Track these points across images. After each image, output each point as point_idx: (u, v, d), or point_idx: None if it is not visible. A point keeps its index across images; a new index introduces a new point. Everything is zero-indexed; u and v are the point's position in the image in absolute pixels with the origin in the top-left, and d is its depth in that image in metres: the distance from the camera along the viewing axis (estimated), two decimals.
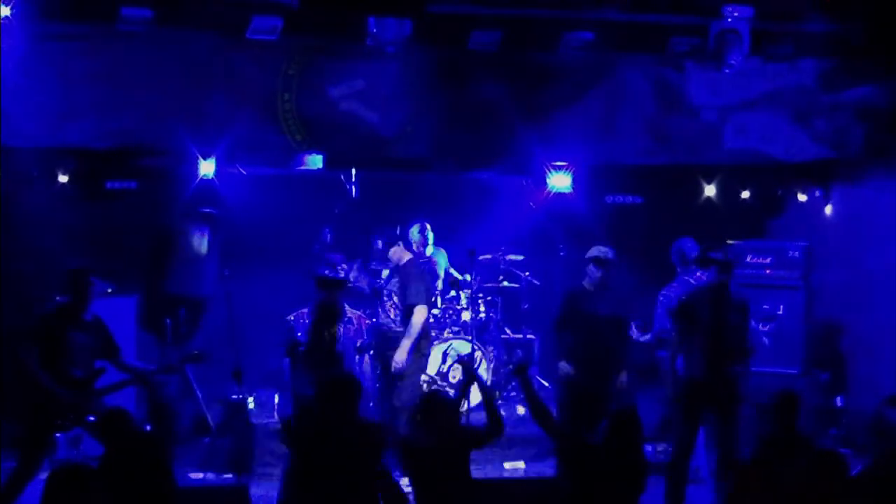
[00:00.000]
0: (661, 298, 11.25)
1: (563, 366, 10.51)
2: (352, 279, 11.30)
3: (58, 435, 10.12)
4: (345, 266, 10.19)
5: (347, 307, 10.39)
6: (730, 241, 12.47)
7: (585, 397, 10.44)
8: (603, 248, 10.86)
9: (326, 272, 10.23)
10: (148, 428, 9.33)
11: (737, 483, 7.92)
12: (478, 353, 12.64)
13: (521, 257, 13.52)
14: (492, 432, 8.12)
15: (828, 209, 13.50)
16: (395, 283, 11.46)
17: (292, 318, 10.98)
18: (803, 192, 13.63)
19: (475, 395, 12.09)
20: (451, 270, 13.47)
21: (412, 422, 8.29)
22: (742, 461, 8.56)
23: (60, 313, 9.46)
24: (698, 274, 10.92)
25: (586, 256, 10.89)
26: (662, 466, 10.30)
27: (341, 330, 10.13)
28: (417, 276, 11.42)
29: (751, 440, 11.08)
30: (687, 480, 10.13)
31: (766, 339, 11.27)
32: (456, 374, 12.61)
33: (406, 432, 8.68)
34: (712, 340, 10.09)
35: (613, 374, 10.69)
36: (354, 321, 10.40)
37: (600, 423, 9.06)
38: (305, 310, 10.49)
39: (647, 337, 11.23)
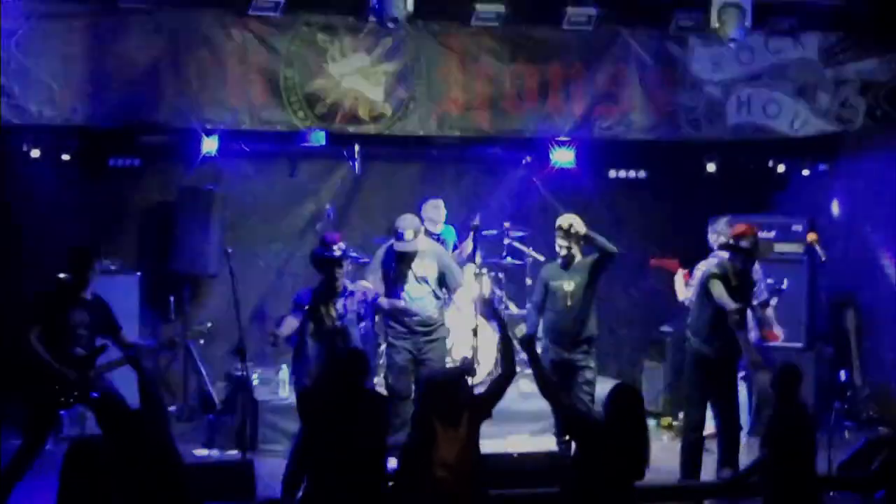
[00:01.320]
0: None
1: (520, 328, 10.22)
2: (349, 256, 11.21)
3: (62, 412, 10.15)
4: (342, 245, 10.14)
5: (348, 282, 10.34)
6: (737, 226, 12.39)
7: (558, 366, 10.38)
8: (567, 217, 10.65)
9: (319, 251, 10.20)
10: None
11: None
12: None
13: (522, 233, 13.49)
14: (507, 375, 8.07)
15: (832, 183, 13.50)
16: (424, 268, 11.33)
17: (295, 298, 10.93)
18: (807, 167, 13.60)
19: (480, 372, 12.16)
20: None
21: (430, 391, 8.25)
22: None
23: (61, 292, 9.45)
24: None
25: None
26: (668, 439, 10.34)
27: (340, 305, 10.11)
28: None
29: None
30: (701, 451, 10.13)
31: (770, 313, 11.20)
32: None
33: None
34: (723, 317, 9.99)
35: (582, 343, 10.54)
36: (358, 294, 10.35)
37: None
38: (307, 289, 10.46)
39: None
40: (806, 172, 13.66)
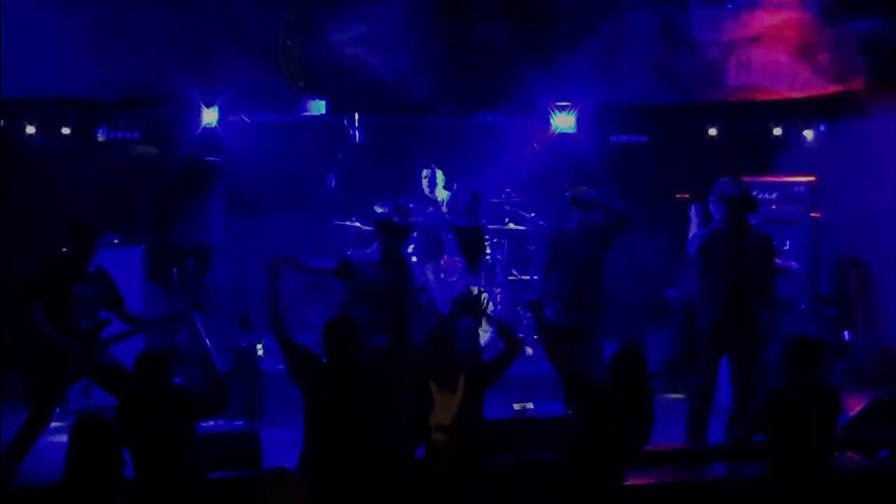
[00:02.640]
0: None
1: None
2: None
3: (67, 386, 10.15)
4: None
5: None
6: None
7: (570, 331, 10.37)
8: (583, 189, 10.68)
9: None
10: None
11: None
12: (484, 295, 12.67)
13: (520, 199, 13.51)
14: (510, 352, 8.08)
15: (833, 143, 13.48)
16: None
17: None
18: (809, 127, 13.58)
19: (483, 335, 12.18)
20: None
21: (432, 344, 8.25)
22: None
23: (64, 266, 9.43)
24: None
25: (568, 196, 10.68)
26: (671, 403, 10.34)
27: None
28: None
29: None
30: (710, 414, 10.09)
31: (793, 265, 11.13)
32: None
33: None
34: (731, 280, 9.93)
35: (596, 310, 10.55)
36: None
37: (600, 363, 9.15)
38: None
39: None
40: (807, 133, 13.63)
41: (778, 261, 10.71)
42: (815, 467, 7.93)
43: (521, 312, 13.25)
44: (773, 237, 10.37)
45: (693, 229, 10.32)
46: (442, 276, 12.68)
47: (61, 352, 9.09)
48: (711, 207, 10.13)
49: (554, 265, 10.57)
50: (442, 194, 13.18)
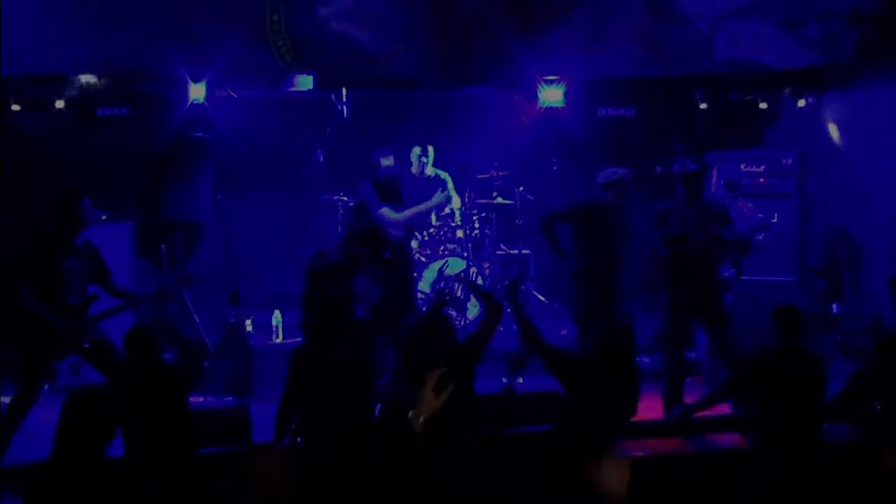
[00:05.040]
0: None
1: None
2: None
3: (56, 363, 10.13)
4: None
5: None
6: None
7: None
8: (615, 170, 10.78)
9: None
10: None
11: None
12: (473, 270, 12.69)
13: (508, 173, 13.54)
14: (491, 317, 8.08)
15: (822, 115, 13.48)
16: None
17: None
18: (797, 99, 13.57)
19: (472, 310, 12.23)
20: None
21: (414, 340, 8.26)
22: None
23: (51, 240, 9.38)
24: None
25: (600, 181, 10.74)
26: (659, 376, 10.38)
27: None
28: None
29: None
30: (683, 382, 10.18)
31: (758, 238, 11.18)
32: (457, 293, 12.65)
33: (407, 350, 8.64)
34: (684, 252, 10.06)
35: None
36: None
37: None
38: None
39: None
40: (799, 103, 13.61)
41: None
42: (803, 437, 7.99)
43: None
44: (726, 207, 10.52)
45: None
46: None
47: (48, 329, 9.07)
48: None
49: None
50: (431, 171, 13.22)
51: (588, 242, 10.64)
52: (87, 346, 9.17)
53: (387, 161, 10.88)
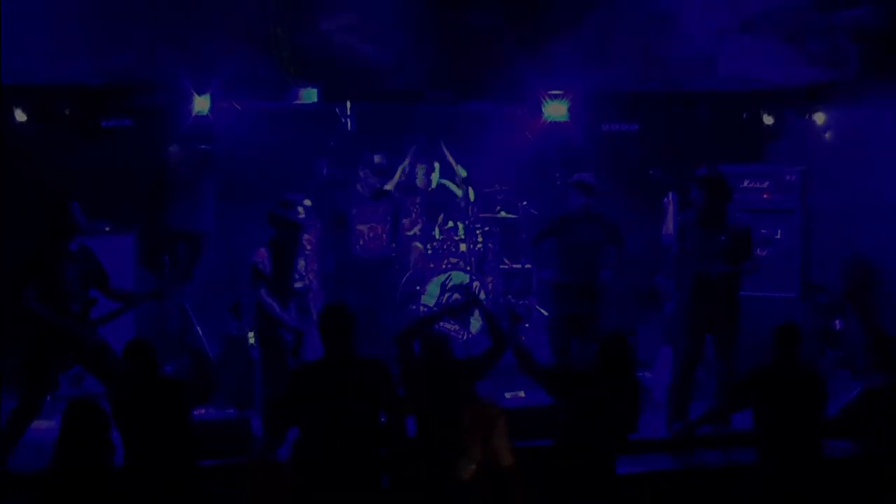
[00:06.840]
0: None
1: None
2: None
3: (59, 374, 10.14)
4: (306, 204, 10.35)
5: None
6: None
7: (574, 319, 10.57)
8: (585, 175, 10.86)
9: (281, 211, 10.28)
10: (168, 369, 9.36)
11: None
12: (475, 284, 12.69)
13: (511, 188, 13.57)
14: (495, 349, 8.13)
15: (825, 131, 13.47)
16: None
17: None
18: (800, 115, 13.57)
19: (475, 324, 12.23)
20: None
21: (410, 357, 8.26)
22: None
23: (48, 247, 9.39)
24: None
25: (569, 182, 10.92)
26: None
27: (301, 263, 10.29)
28: None
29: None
30: (690, 399, 10.19)
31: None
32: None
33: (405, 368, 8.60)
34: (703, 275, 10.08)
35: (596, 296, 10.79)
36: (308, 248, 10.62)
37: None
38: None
39: None
40: (803, 118, 13.61)
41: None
42: (804, 452, 8.01)
43: (513, 301, 13.25)
44: (750, 226, 10.52)
45: (669, 220, 10.57)
46: None
47: (58, 335, 9.08)
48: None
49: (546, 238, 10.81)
50: (436, 181, 13.29)
51: (560, 254, 10.86)
52: (90, 353, 9.19)
53: (378, 158, 11.01)
